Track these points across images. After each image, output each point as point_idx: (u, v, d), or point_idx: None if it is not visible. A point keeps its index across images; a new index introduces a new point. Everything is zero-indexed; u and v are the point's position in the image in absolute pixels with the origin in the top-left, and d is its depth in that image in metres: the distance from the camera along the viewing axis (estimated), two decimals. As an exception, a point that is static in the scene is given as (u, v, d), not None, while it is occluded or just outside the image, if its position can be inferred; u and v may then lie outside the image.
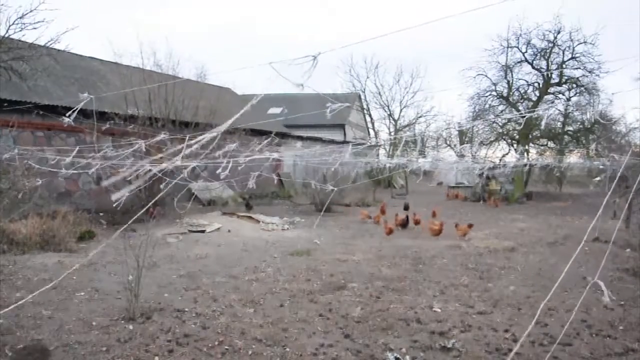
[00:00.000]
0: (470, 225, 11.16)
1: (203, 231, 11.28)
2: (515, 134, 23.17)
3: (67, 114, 2.61)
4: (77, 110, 2.67)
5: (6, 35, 11.00)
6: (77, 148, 4.35)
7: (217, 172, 3.36)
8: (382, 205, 14.42)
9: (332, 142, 23.71)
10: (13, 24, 10.96)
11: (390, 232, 10.81)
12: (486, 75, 23.75)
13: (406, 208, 14.86)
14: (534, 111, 18.39)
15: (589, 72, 21.91)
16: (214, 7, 68.89)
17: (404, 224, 12.16)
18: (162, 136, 3.46)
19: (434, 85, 44.37)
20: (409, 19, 54.92)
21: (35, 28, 11.21)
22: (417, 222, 12.26)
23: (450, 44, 59.70)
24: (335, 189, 5.60)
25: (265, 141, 4.03)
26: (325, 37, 54.98)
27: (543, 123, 19.63)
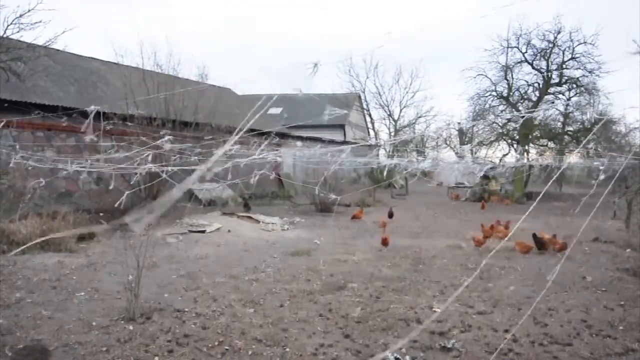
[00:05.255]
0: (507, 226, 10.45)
1: (203, 231, 11.27)
2: (515, 134, 23.18)
3: (83, 126, 2.63)
4: (90, 119, 2.69)
5: (4, 36, 11.00)
6: (89, 161, 4.33)
7: (220, 176, 3.35)
8: (358, 212, 13.10)
9: (332, 142, 23.72)
10: (11, 24, 10.98)
11: (386, 243, 9.59)
12: (486, 76, 23.80)
13: (390, 216, 13.51)
14: (533, 111, 18.39)
15: (589, 72, 21.97)
16: (213, 5, 68.94)
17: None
18: (165, 136, 3.47)
19: (434, 85, 44.39)
20: (409, 17, 54.92)
21: (33, 28, 11.24)
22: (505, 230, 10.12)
23: (450, 44, 59.69)
24: (339, 197, 5.59)
25: (265, 141, 4.03)
26: (324, 34, 54.92)
27: (538, 117, 19.55)
